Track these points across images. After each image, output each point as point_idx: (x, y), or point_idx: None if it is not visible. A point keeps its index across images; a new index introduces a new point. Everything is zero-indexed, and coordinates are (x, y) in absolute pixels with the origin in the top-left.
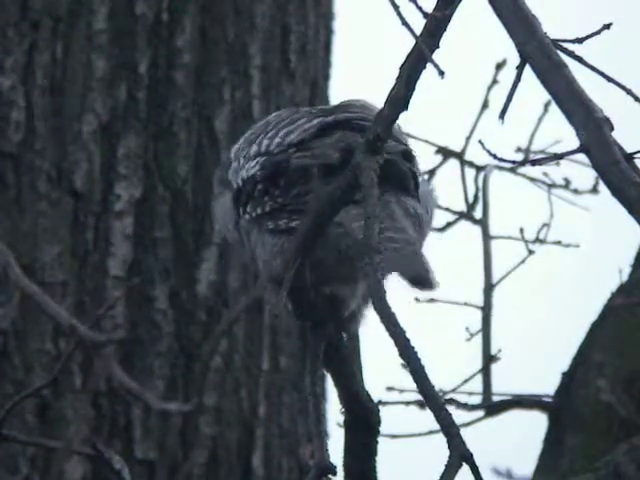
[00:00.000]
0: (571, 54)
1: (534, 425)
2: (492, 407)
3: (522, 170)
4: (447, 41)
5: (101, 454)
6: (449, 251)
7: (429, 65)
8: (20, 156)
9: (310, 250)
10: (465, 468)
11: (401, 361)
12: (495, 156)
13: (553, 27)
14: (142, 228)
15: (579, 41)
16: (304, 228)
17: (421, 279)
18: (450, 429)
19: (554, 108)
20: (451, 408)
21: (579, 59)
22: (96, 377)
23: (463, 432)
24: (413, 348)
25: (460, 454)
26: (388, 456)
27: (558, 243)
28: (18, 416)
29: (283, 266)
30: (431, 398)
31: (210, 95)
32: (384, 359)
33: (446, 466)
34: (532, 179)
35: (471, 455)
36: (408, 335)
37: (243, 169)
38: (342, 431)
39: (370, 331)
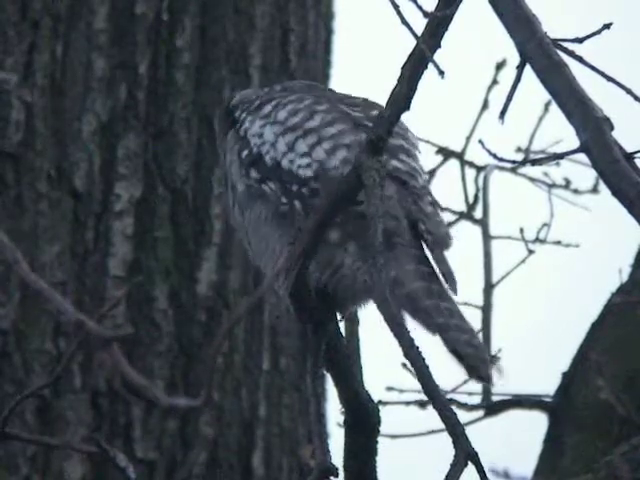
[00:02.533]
0: (571, 54)
1: (534, 425)
2: (492, 407)
3: (522, 170)
4: (448, 41)
5: (106, 452)
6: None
7: (430, 65)
8: (20, 156)
9: (313, 250)
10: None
11: (402, 361)
12: (495, 156)
13: (553, 27)
14: (142, 228)
15: (579, 41)
16: (308, 227)
17: (486, 377)
18: (455, 428)
19: (554, 108)
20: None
21: (579, 59)
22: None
23: None
24: (417, 348)
25: (466, 453)
26: (388, 456)
27: (558, 243)
28: (18, 416)
29: (286, 265)
30: (436, 398)
31: (210, 95)
32: (384, 359)
33: (452, 465)
34: (532, 179)
35: (476, 454)
36: (412, 335)
37: (281, 155)
38: (342, 431)
39: (370, 331)
